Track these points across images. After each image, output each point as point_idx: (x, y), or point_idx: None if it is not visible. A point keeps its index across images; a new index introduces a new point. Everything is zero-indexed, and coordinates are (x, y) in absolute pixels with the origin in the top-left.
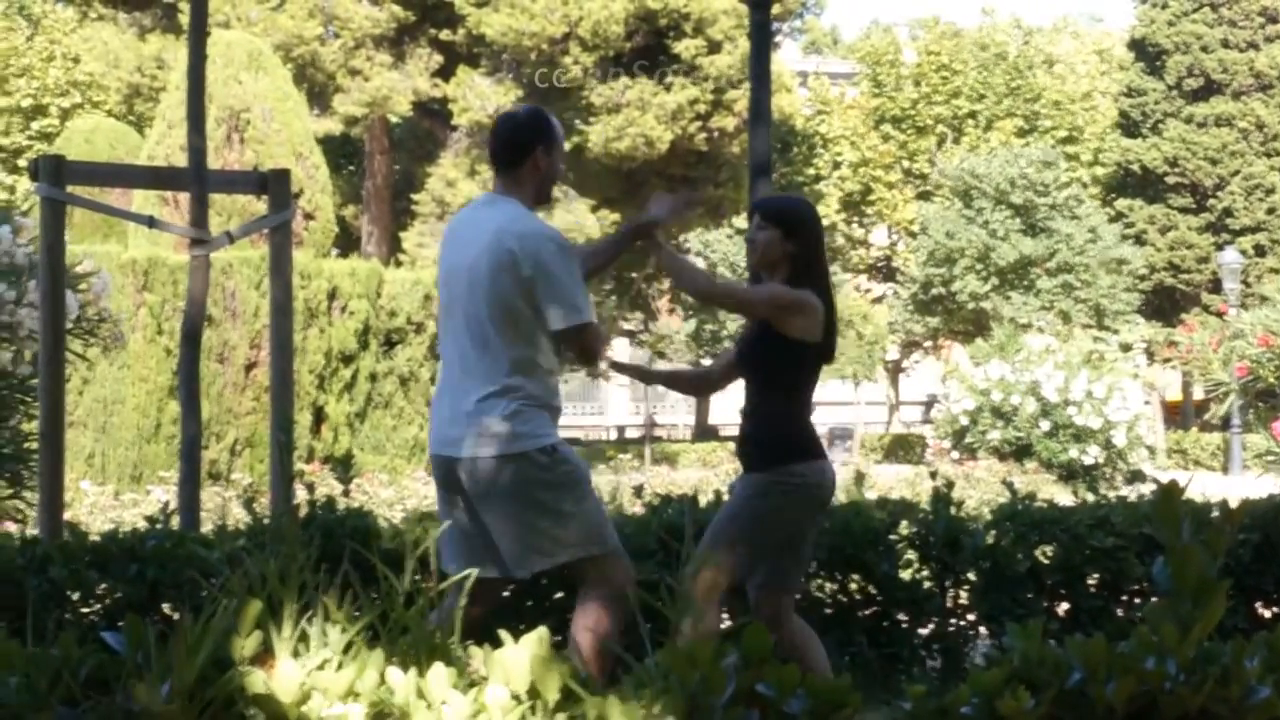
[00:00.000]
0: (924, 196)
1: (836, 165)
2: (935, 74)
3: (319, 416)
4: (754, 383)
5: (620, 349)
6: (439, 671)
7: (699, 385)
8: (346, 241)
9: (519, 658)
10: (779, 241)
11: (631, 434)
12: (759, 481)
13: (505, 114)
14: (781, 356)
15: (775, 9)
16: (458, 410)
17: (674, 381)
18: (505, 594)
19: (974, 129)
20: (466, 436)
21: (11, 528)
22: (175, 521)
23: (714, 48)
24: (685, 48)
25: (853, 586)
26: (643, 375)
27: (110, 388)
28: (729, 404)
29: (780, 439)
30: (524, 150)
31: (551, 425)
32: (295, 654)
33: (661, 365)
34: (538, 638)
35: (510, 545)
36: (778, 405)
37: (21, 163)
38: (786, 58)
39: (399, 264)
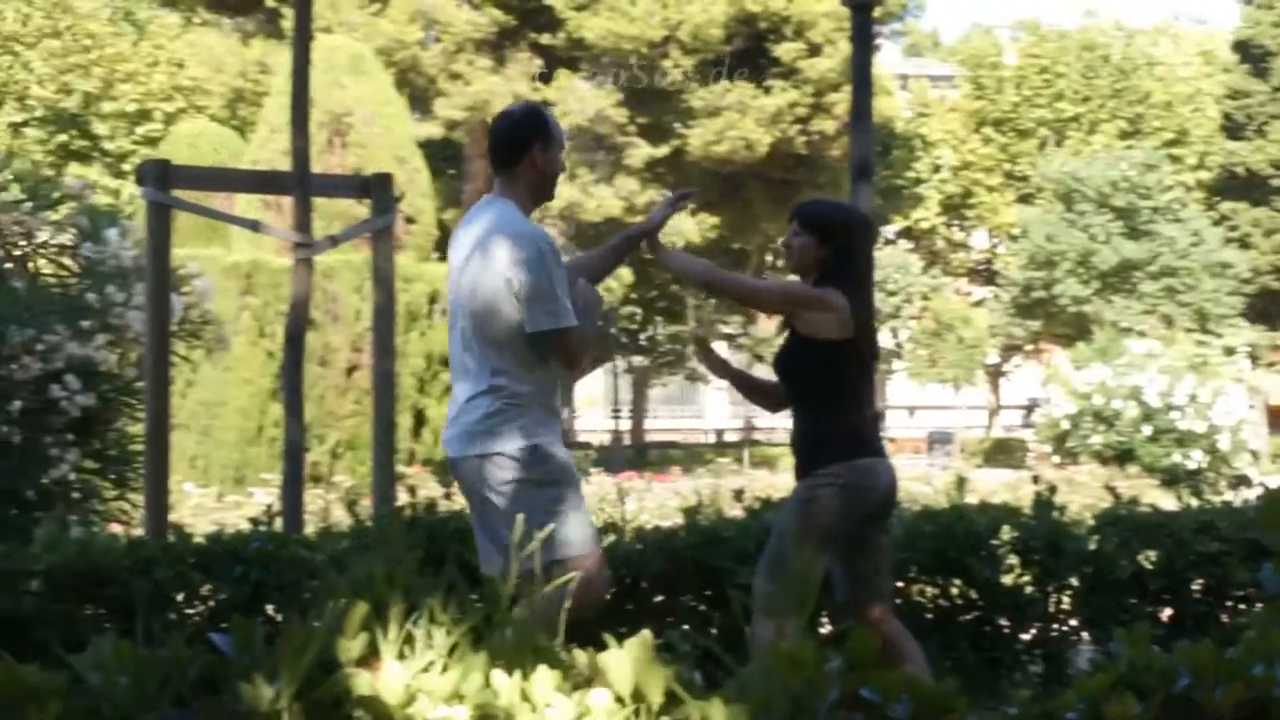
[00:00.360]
0: (1025, 200)
1: (937, 168)
2: (1037, 76)
3: (419, 419)
4: (790, 390)
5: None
6: (543, 674)
7: (764, 397)
8: (447, 245)
9: (623, 661)
10: (814, 247)
11: (730, 437)
12: (799, 489)
13: (501, 112)
14: (810, 359)
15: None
16: (456, 411)
17: (743, 384)
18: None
19: (1077, 132)
20: (462, 435)
21: (117, 529)
22: (278, 523)
23: (814, 50)
24: (785, 51)
25: (954, 591)
26: (720, 366)
27: (213, 390)
28: None
29: (816, 442)
30: (520, 149)
31: (538, 424)
32: (400, 656)
33: (759, 370)
34: (641, 641)
35: (501, 543)
36: (813, 409)
37: (126, 167)
38: (887, 60)
39: None
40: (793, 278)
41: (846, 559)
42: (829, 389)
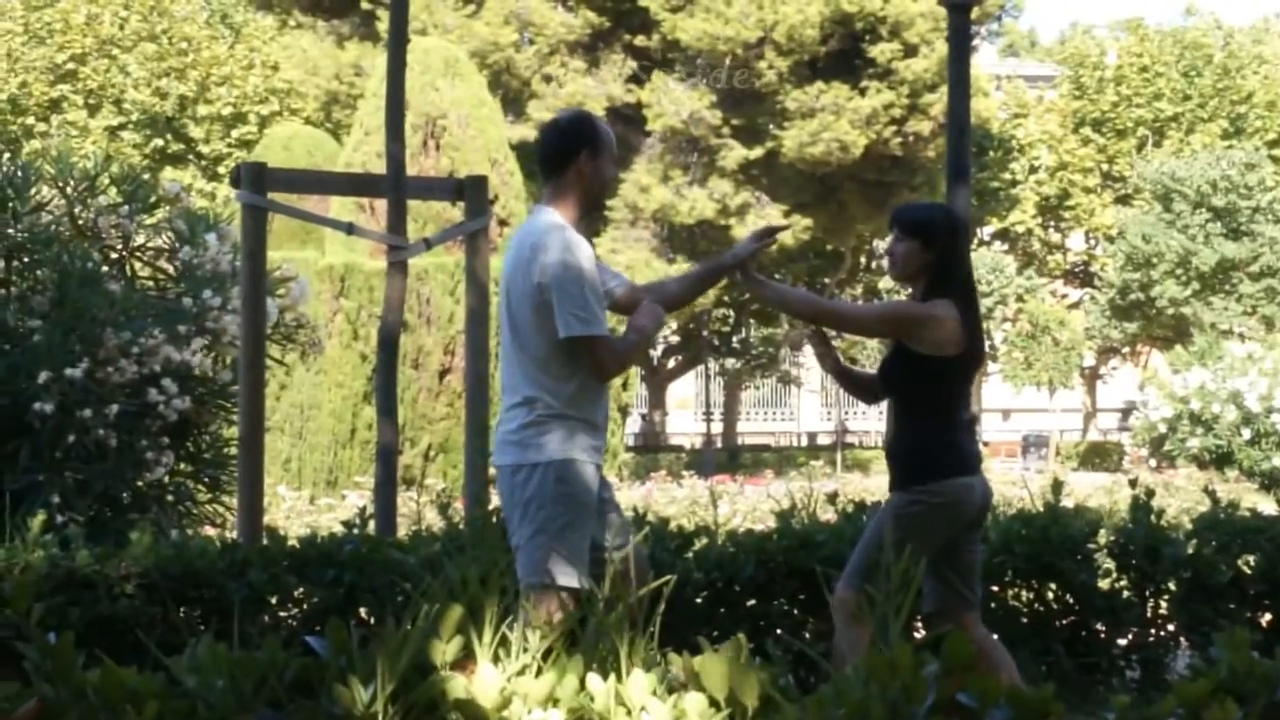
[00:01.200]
0: (1123, 201)
1: (1033, 169)
2: (1137, 76)
3: None
4: (893, 400)
5: (812, 354)
6: (638, 678)
7: (863, 391)
8: None
9: (718, 665)
10: (918, 253)
11: (822, 440)
12: (896, 501)
13: (550, 120)
14: (916, 373)
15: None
16: (501, 419)
17: (845, 377)
18: (698, 600)
19: (1176, 132)
20: (498, 444)
21: (211, 532)
22: (371, 526)
23: (910, 51)
24: (881, 52)
25: (1050, 596)
26: (829, 358)
27: (307, 393)
28: None
29: (918, 456)
30: (566, 157)
31: (569, 440)
32: (495, 660)
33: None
34: (736, 645)
35: (517, 554)
36: (916, 422)
37: (221, 170)
38: (983, 61)
39: None
40: (900, 296)
41: (936, 569)
42: (935, 402)
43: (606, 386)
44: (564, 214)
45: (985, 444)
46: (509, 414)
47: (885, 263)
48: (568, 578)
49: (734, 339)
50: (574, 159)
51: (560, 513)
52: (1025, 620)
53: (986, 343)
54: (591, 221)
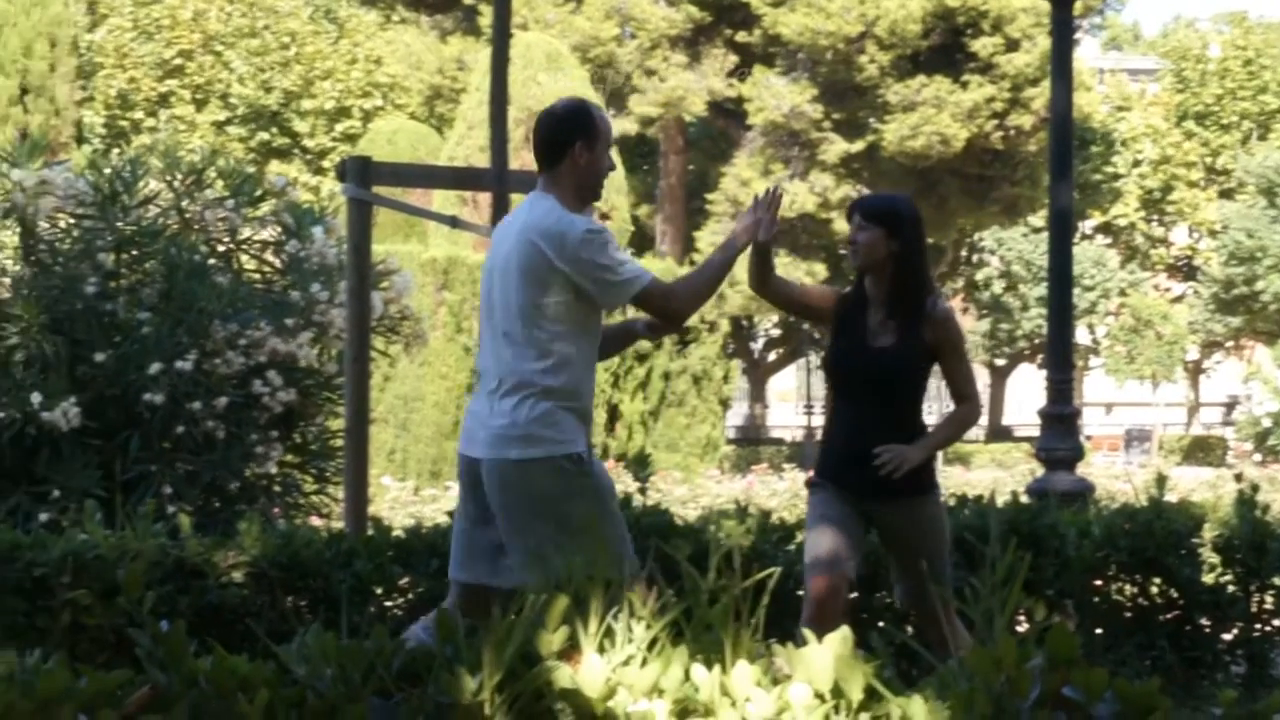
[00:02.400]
0: (1227, 195)
1: (1136, 163)
2: (1241, 69)
3: (613, 414)
4: (882, 396)
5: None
6: (743, 669)
7: (769, 278)
8: (641, 241)
9: (823, 656)
10: (882, 241)
11: None
12: (929, 509)
13: (546, 109)
14: (924, 371)
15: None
16: (487, 411)
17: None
18: (800, 593)
19: None
20: (492, 438)
21: (318, 522)
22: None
23: (1012, 45)
24: (983, 45)
25: (1154, 590)
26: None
27: (411, 385)
28: (1023, 404)
29: (929, 459)
30: (561, 146)
31: (579, 430)
32: (601, 650)
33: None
34: (841, 636)
35: (519, 554)
36: (910, 420)
37: (326, 164)
38: (1086, 54)
39: (693, 263)
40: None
41: (906, 569)
42: (920, 401)
43: (594, 377)
44: (561, 204)
45: (1088, 437)
46: (513, 405)
47: (849, 251)
48: (629, 563)
49: None
50: (569, 149)
51: (591, 505)
52: (1129, 615)
53: (1090, 337)
54: (691, 215)
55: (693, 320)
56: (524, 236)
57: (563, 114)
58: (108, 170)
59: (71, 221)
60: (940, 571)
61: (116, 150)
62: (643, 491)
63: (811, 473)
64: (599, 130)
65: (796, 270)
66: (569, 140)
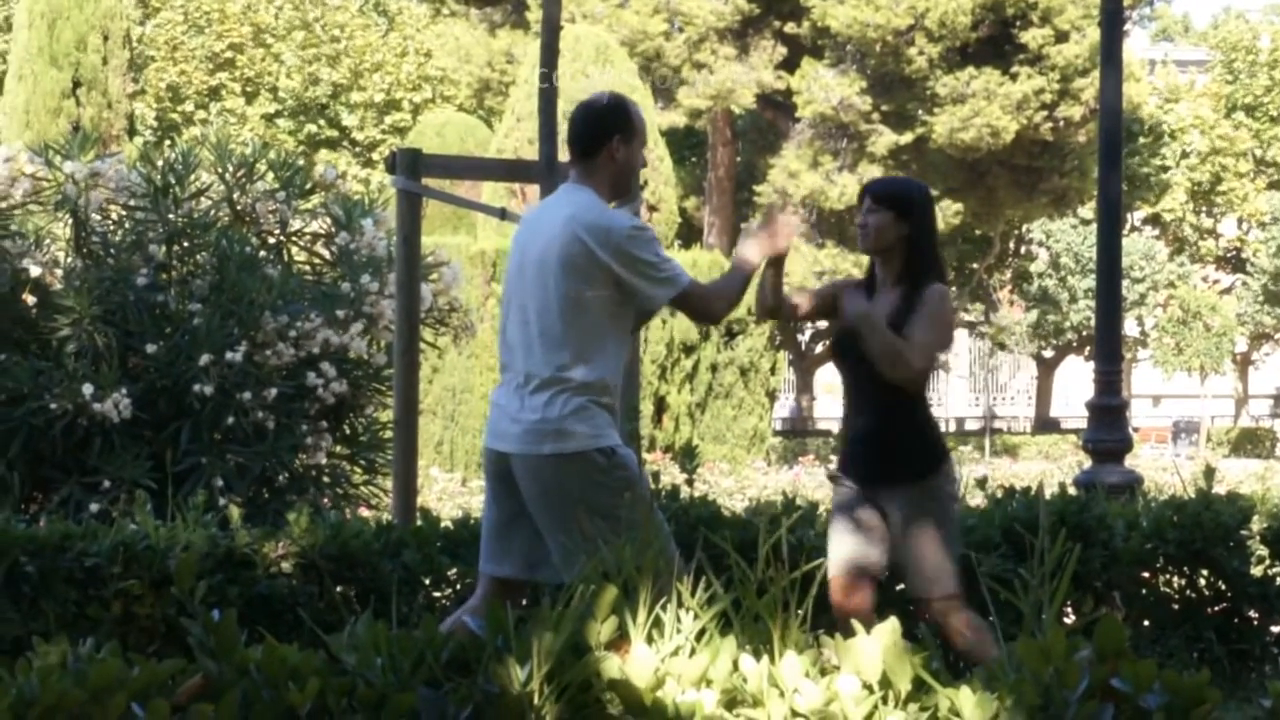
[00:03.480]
0: (1276, 186)
1: (1185, 154)
2: None
3: (660, 406)
4: (883, 386)
5: (960, 340)
6: (791, 660)
7: (777, 305)
8: (689, 233)
9: (871, 647)
10: (892, 224)
11: (970, 425)
12: (937, 491)
13: (583, 101)
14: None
15: None
16: (517, 404)
17: (777, 286)
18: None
19: None
20: (524, 432)
21: (366, 513)
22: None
23: (1061, 37)
24: (1032, 37)
25: (1202, 582)
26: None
27: (459, 376)
28: (1070, 396)
29: (926, 444)
30: (599, 140)
31: (610, 424)
32: (649, 640)
33: (1002, 356)
34: (890, 628)
35: (560, 549)
36: (917, 406)
37: (375, 156)
38: (1135, 45)
39: None
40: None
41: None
42: (923, 388)
43: (622, 373)
44: (596, 196)
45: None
46: (546, 400)
47: (858, 234)
48: (670, 548)
49: None
50: (607, 142)
51: (628, 495)
52: (1177, 607)
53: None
54: (739, 207)
55: (739, 312)
56: (567, 228)
57: (602, 108)
58: (160, 163)
59: (123, 213)
60: (941, 564)
61: (167, 143)
62: (690, 483)
63: (834, 465)
64: (635, 126)
65: (844, 262)
66: (607, 134)
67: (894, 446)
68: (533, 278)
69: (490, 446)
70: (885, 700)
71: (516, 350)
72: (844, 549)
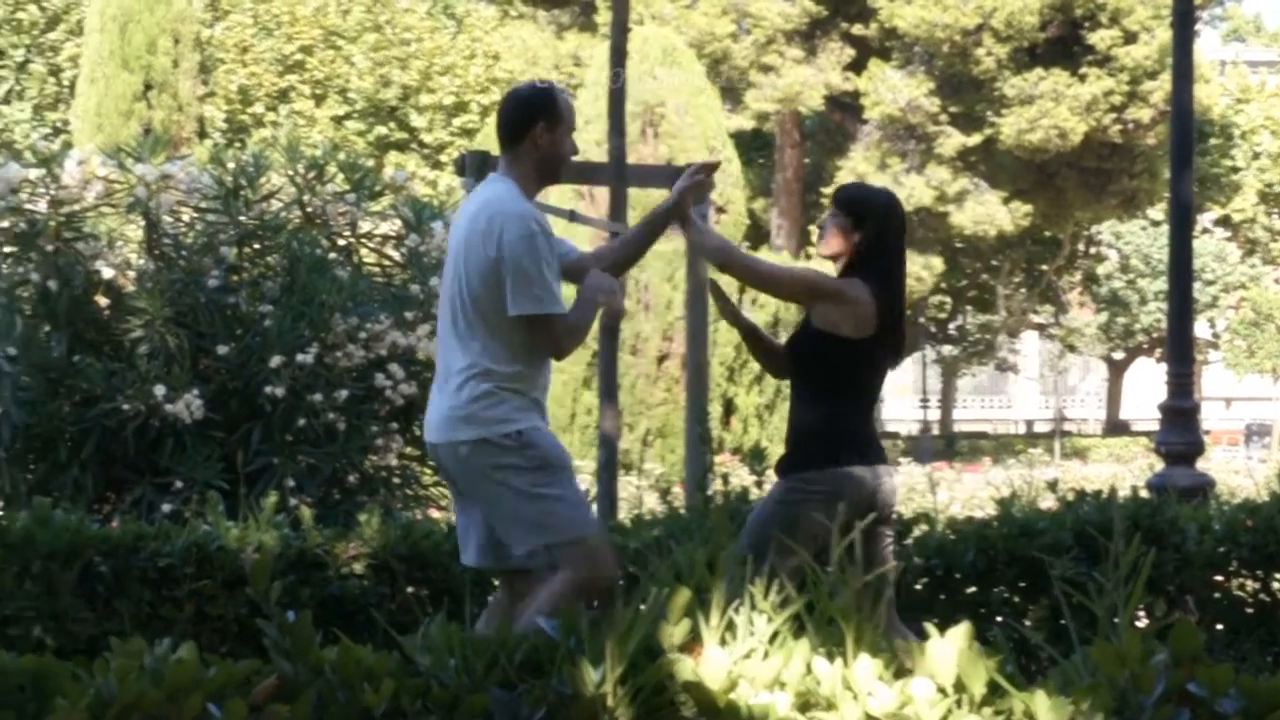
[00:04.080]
0: None
1: (1255, 155)
2: None
3: (729, 408)
4: (794, 380)
5: (1030, 342)
6: (865, 663)
7: (770, 358)
8: (757, 234)
9: (945, 650)
10: (847, 231)
11: (1040, 428)
12: (776, 491)
13: (510, 90)
14: (820, 353)
15: None
16: (438, 398)
17: (754, 341)
18: (917, 587)
19: None
20: (442, 420)
21: (437, 514)
22: (593, 510)
23: (1130, 38)
24: (1100, 38)
25: (1276, 586)
26: (732, 314)
27: None
28: (1141, 398)
29: (809, 441)
30: (523, 127)
31: (524, 410)
32: (722, 642)
33: (1072, 359)
34: (964, 631)
35: (504, 527)
36: (812, 404)
37: (443, 158)
38: (1205, 46)
39: (808, 256)
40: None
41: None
42: (834, 387)
43: (549, 366)
44: (521, 186)
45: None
46: (454, 387)
47: (816, 237)
48: (583, 525)
49: (951, 326)
50: (530, 130)
51: (541, 475)
52: (1250, 610)
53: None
54: (807, 209)
55: None
56: (474, 221)
57: (526, 94)
58: (230, 165)
59: (194, 215)
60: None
61: (237, 145)
62: (759, 485)
63: None
64: (561, 113)
65: (914, 264)
66: (531, 120)
67: (786, 438)
68: (450, 271)
69: (426, 439)
70: (959, 704)
71: (441, 345)
72: None
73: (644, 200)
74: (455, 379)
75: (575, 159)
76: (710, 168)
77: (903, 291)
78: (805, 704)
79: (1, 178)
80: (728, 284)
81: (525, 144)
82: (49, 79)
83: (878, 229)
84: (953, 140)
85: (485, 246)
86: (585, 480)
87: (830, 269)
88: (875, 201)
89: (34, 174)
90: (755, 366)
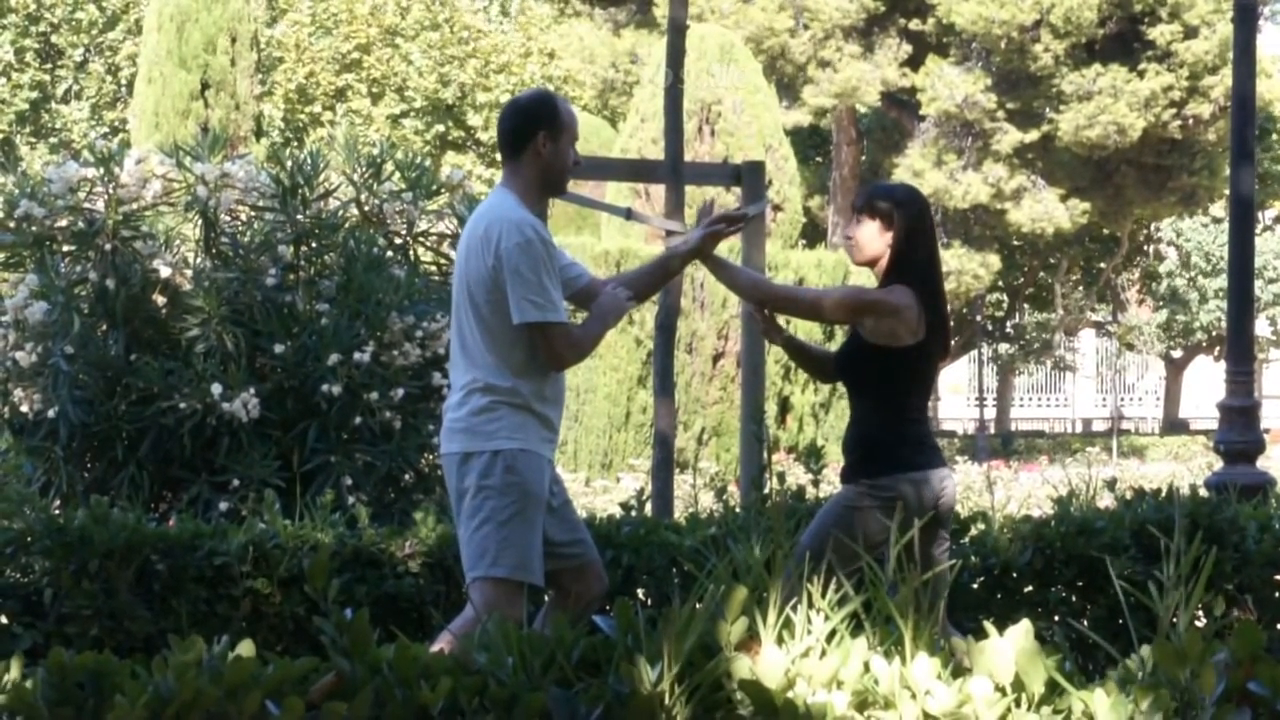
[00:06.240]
0: None
1: None
2: None
3: (784, 407)
4: (847, 388)
5: (1087, 340)
6: (923, 661)
7: (819, 367)
8: (813, 232)
9: (1004, 649)
10: (877, 235)
11: (1097, 426)
12: (842, 496)
13: (511, 98)
14: (869, 362)
15: None
16: (448, 407)
17: (797, 352)
18: (974, 586)
19: None
20: (445, 433)
21: None
22: (648, 508)
23: (1190, 33)
24: (1160, 33)
25: None
26: (769, 327)
27: (583, 377)
28: (1200, 397)
29: (866, 449)
30: (523, 137)
31: (522, 429)
32: (780, 641)
33: (1130, 357)
34: (1023, 630)
35: (462, 546)
36: (867, 413)
37: (499, 157)
38: (1266, 41)
39: None
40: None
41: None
42: (889, 394)
43: (563, 379)
44: (522, 196)
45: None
46: (458, 399)
47: (844, 246)
48: (518, 570)
49: (1007, 324)
50: (532, 140)
51: (509, 503)
52: None
53: (1271, 329)
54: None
55: None
56: (474, 233)
57: (526, 104)
58: (288, 163)
59: (252, 214)
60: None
61: (294, 144)
62: (815, 484)
63: None
64: (563, 122)
65: (971, 262)
66: (533, 130)
67: (846, 445)
68: (457, 285)
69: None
70: (1018, 703)
71: (452, 361)
72: None
73: (697, 198)
74: (459, 393)
75: (631, 157)
76: (736, 219)
77: (942, 283)
78: (863, 703)
79: (60, 177)
80: None
81: (527, 154)
82: (107, 78)
83: (906, 224)
84: (1010, 137)
85: (484, 255)
86: (640, 479)
87: (868, 280)
88: (898, 197)
89: (92, 173)
90: None
